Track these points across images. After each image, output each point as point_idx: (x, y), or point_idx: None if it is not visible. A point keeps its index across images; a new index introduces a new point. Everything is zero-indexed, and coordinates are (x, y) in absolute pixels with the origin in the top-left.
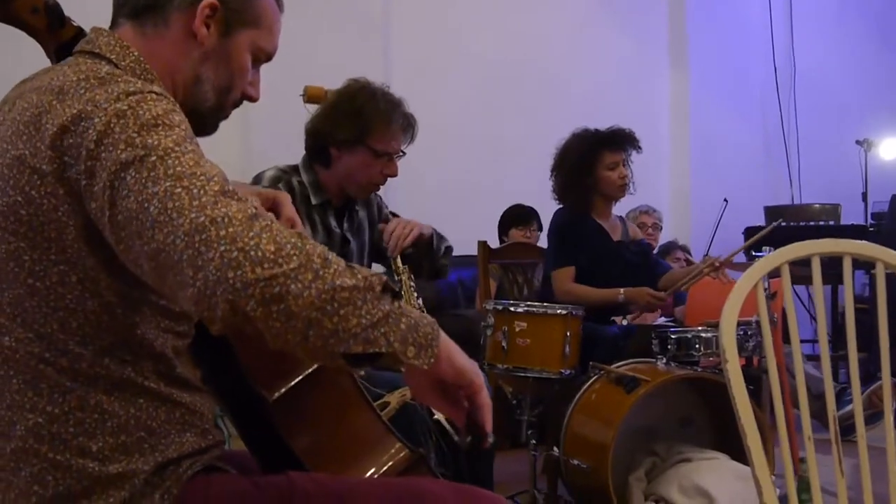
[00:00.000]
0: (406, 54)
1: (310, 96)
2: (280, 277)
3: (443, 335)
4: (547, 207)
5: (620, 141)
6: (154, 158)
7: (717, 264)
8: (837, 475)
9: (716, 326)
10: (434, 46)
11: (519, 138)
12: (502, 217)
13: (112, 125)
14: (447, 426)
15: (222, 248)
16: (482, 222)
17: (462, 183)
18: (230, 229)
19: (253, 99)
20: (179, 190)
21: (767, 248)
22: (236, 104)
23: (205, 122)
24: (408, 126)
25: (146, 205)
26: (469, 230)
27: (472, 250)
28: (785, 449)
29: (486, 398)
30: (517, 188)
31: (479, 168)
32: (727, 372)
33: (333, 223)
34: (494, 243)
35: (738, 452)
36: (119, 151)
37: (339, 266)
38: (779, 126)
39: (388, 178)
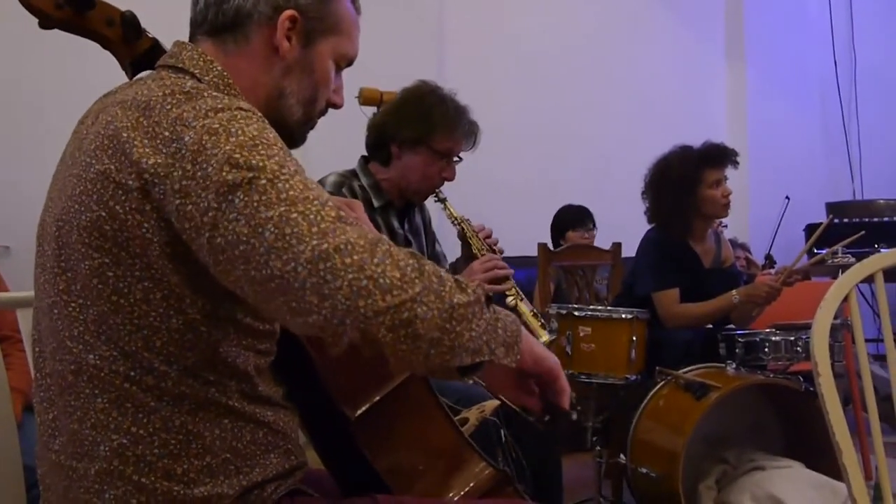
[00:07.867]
0: (459, 53)
1: (365, 98)
2: (408, 303)
3: (521, 328)
4: (599, 206)
5: (723, 157)
6: (264, 181)
7: (795, 277)
8: None
9: (785, 329)
10: (487, 44)
11: (573, 136)
12: (557, 218)
13: (204, 143)
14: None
15: (350, 276)
16: (534, 222)
17: (514, 182)
18: (355, 257)
19: (337, 106)
20: (295, 215)
21: (839, 247)
22: (322, 113)
23: (293, 134)
24: (471, 133)
25: (260, 230)
26: (521, 230)
27: (526, 251)
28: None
29: (565, 383)
30: (571, 187)
31: (532, 167)
32: (820, 386)
33: (396, 224)
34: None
35: (812, 460)
36: (223, 172)
37: (452, 282)
38: (839, 121)
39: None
